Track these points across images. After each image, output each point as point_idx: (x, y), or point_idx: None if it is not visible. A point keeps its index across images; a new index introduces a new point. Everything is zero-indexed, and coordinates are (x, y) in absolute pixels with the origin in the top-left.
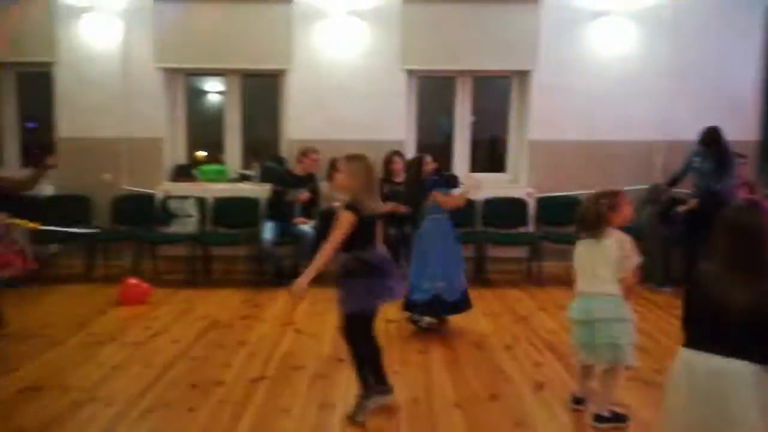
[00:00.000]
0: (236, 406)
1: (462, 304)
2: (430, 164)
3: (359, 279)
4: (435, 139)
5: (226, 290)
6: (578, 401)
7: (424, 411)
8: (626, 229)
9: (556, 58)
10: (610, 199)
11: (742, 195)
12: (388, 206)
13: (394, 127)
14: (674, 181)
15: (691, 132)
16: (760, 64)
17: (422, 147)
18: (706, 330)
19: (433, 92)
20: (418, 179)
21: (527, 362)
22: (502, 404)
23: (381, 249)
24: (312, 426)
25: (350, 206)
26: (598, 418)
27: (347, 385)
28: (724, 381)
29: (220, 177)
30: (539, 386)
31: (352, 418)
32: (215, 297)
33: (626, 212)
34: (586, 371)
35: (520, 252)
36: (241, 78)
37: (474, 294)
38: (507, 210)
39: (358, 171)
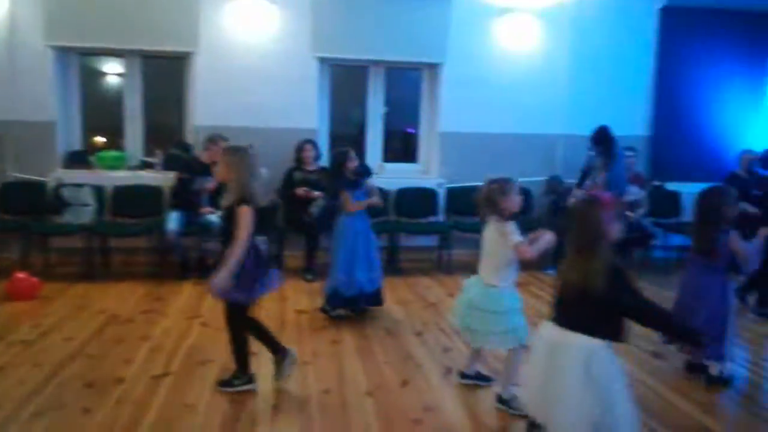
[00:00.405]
0: (137, 405)
1: (371, 299)
2: (353, 161)
3: (246, 269)
4: (348, 129)
5: (125, 283)
6: (474, 376)
7: (336, 401)
8: (524, 219)
9: (465, 52)
10: (501, 185)
11: (634, 184)
12: (300, 191)
13: (306, 115)
14: (582, 178)
15: (589, 126)
16: (652, 62)
17: (335, 136)
18: (559, 307)
19: (346, 82)
20: (339, 174)
21: (437, 348)
22: (412, 390)
23: (260, 240)
24: (220, 422)
25: (244, 201)
26: (463, 376)
27: (257, 377)
28: (562, 352)
29: (120, 164)
30: (448, 371)
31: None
32: (114, 291)
33: (515, 200)
34: (476, 352)
35: (430, 241)
36: (142, 59)
37: (386, 282)
38: (418, 200)
39: (235, 163)
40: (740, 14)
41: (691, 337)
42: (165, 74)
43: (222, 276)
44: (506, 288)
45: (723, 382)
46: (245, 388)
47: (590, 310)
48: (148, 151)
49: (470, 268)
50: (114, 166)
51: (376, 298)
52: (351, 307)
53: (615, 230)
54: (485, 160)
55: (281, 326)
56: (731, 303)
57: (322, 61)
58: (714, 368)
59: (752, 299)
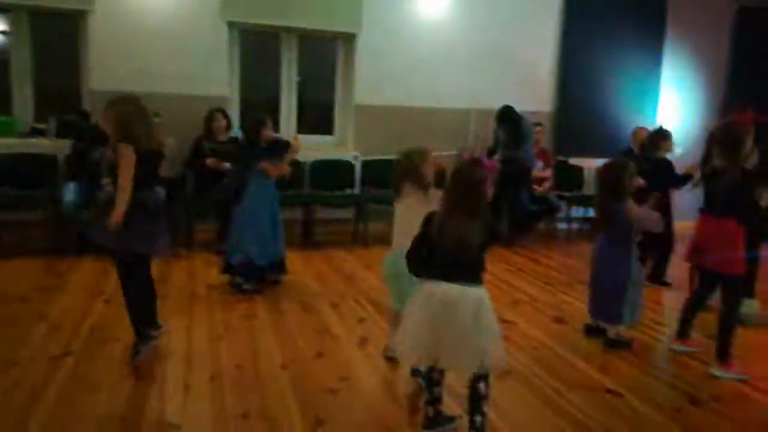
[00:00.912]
0: (35, 388)
1: (276, 269)
2: (269, 131)
3: (133, 220)
4: (260, 98)
5: (18, 260)
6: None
7: (250, 375)
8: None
9: (381, 23)
10: (420, 154)
11: (539, 160)
12: (210, 162)
13: (216, 82)
14: (490, 153)
15: (499, 101)
16: (557, 39)
17: (247, 105)
18: (442, 263)
19: (258, 49)
20: (255, 142)
21: (352, 319)
22: (327, 361)
23: (159, 192)
24: (125, 400)
25: (123, 139)
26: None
27: (164, 355)
28: (454, 305)
29: (7, 131)
30: (363, 341)
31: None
32: (5, 268)
33: (431, 170)
34: (397, 319)
35: (346, 213)
36: (30, 16)
37: (302, 256)
38: (334, 172)
39: (111, 118)
40: None
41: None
42: (58, 34)
43: (109, 222)
44: None
45: (621, 344)
46: (153, 344)
47: (471, 262)
48: (40, 117)
49: (386, 241)
50: (0, 132)
51: (281, 267)
52: (263, 277)
53: (489, 193)
54: (401, 134)
55: (191, 300)
56: (632, 270)
57: (232, 25)
58: (611, 331)
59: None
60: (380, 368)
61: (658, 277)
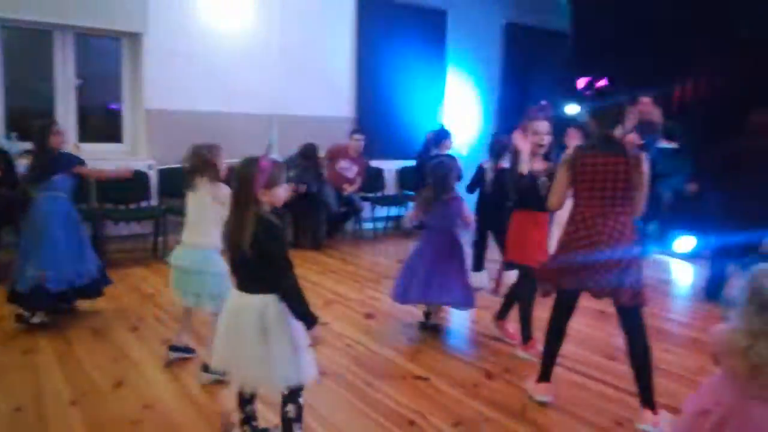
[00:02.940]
0: None
1: (87, 292)
2: (58, 135)
3: None
4: (30, 103)
5: None
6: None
7: (32, 418)
8: None
9: (170, 24)
10: (210, 150)
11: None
12: None
13: None
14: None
15: (303, 108)
16: (353, 49)
17: (16, 112)
18: (234, 271)
19: (28, 48)
20: (44, 148)
21: (155, 341)
22: (127, 390)
23: None
24: None
25: None
26: (174, 348)
27: None
28: (241, 315)
29: None
30: (169, 363)
31: None
32: None
33: (223, 166)
34: (187, 313)
35: (142, 228)
36: None
37: None
38: (126, 184)
39: None
40: (422, 9)
41: (306, 317)
42: None
43: None
44: (216, 251)
45: (438, 329)
46: None
47: (255, 267)
48: None
49: None
50: None
51: (92, 289)
52: (57, 306)
53: (279, 194)
54: (199, 140)
55: None
56: (463, 257)
57: None
58: (434, 317)
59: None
60: (190, 390)
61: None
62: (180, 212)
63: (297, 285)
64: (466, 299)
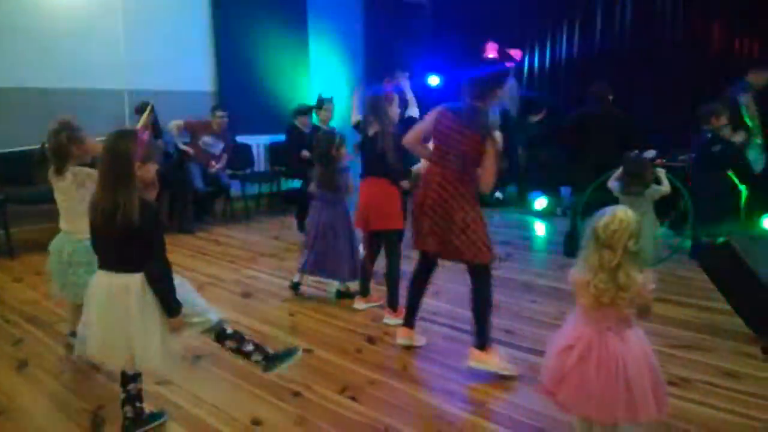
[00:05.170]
0: None
1: None
2: None
3: None
4: None
5: None
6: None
7: None
8: None
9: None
10: (72, 131)
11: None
12: None
13: None
14: None
15: (158, 82)
16: (210, 19)
17: None
18: (100, 250)
19: None
20: None
21: (5, 342)
22: None
23: None
24: None
25: None
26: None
27: None
28: (118, 296)
29: None
30: (23, 364)
31: None
32: None
33: (90, 144)
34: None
35: None
36: None
37: None
38: None
39: None
40: None
41: (170, 305)
42: None
43: None
44: None
45: (349, 295)
46: None
47: (122, 244)
48: None
49: (39, 245)
50: None
51: None
52: None
53: (151, 170)
54: (44, 119)
55: None
56: (354, 229)
57: None
58: (341, 285)
59: None
60: (49, 389)
61: None
62: (25, 201)
63: (167, 270)
64: (352, 273)
